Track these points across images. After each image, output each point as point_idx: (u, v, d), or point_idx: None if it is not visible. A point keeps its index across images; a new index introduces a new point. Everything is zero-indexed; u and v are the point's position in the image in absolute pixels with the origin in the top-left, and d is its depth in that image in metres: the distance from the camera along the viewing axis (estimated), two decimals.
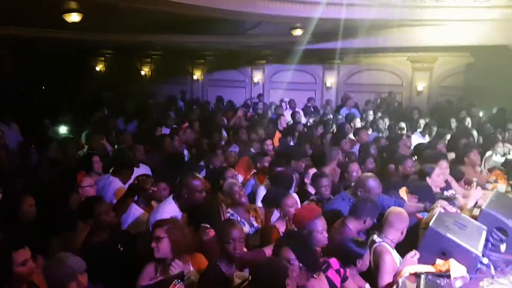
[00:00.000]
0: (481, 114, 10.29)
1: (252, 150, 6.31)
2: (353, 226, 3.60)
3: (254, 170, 5.23)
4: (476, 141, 8.04)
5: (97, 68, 17.22)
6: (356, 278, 3.20)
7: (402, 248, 3.61)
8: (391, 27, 9.59)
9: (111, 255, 3.20)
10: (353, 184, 4.48)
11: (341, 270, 2.94)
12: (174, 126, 8.26)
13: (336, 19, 8.52)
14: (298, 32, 9.56)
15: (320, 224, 3.40)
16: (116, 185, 4.60)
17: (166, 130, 7.80)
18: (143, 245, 3.32)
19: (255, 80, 15.47)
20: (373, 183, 4.19)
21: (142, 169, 5.29)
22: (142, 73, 16.93)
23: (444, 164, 5.26)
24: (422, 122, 9.14)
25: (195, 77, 16.35)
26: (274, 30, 10.24)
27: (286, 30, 9.77)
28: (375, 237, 3.56)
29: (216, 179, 4.32)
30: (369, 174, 4.44)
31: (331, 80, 14.36)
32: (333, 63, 13.77)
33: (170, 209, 3.65)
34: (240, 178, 5.05)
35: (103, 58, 17.10)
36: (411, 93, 13.09)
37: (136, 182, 3.92)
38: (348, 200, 4.13)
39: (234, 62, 15.23)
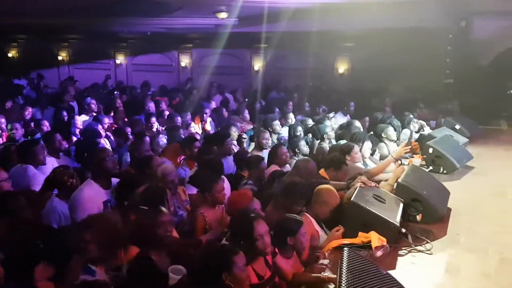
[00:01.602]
0: (397, 93, 10.97)
1: (182, 135, 6.19)
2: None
3: (183, 156, 5.14)
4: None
5: (10, 54, 15.92)
6: (292, 261, 3.19)
7: (329, 225, 3.78)
8: (315, 11, 9.81)
9: (31, 253, 2.99)
10: (290, 171, 4.54)
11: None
12: (94, 113, 7.86)
13: (260, 3, 8.56)
14: (223, 15, 9.48)
15: (257, 206, 3.44)
16: (31, 171, 4.34)
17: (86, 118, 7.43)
18: (68, 240, 3.15)
19: (183, 64, 15.17)
20: (312, 165, 4.31)
21: (63, 160, 5.01)
22: (60, 58, 15.89)
23: (367, 144, 5.58)
24: (344, 103, 9.56)
25: (118, 61, 15.66)
26: (199, 12, 10.08)
27: (212, 13, 9.66)
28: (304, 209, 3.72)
29: (142, 168, 4.17)
30: (305, 158, 4.54)
31: (258, 64, 14.47)
32: (260, 47, 13.86)
33: (89, 190, 3.56)
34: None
35: (16, 44, 15.82)
36: (333, 76, 13.58)
37: (53, 174, 3.72)
38: None
39: (160, 45, 14.78)
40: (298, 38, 12.27)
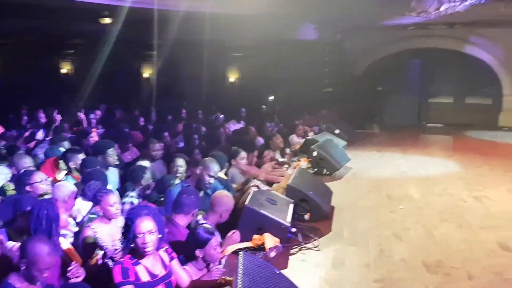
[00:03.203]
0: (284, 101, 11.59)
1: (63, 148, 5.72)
2: (182, 221, 3.57)
3: (65, 171, 4.75)
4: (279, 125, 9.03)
5: None
6: (204, 272, 3.10)
7: (226, 230, 3.82)
8: (205, 20, 9.89)
9: None
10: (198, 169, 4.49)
11: (169, 249, 2.95)
12: None
13: (147, 9, 8.37)
14: (106, 20, 9.06)
15: None
16: None
17: None
18: None
19: (64, 71, 14.12)
20: (217, 165, 4.31)
21: None
22: None
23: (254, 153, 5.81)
24: (236, 110, 9.80)
25: None
26: (81, 17, 9.49)
27: (95, 18, 9.17)
28: (199, 217, 3.69)
29: (21, 184, 3.75)
30: (211, 158, 4.52)
31: (148, 71, 14.11)
32: (150, 54, 13.51)
33: None
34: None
35: None
36: (225, 84, 13.83)
37: None
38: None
39: (38, 51, 13.54)
40: (190, 47, 12.27)
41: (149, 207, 3.04)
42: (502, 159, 7.40)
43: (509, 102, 11.32)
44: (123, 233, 2.77)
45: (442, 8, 9.96)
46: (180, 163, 5.08)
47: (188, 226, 3.61)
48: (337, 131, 8.38)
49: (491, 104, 11.85)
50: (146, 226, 2.69)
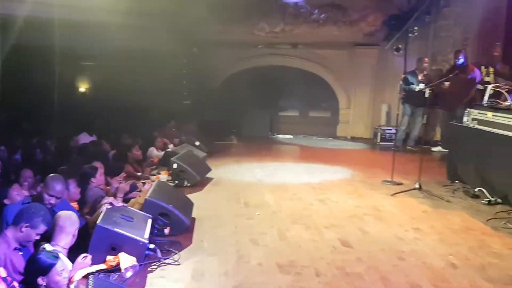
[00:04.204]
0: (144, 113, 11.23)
1: None
2: (12, 235, 3.14)
3: None
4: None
5: None
6: None
7: (75, 253, 3.50)
8: (54, 26, 9.07)
9: None
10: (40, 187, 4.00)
11: (8, 278, 2.58)
12: None
13: None
14: None
15: None
16: None
17: None
18: None
19: None
20: (60, 184, 3.88)
21: None
22: None
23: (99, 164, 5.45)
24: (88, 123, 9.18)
25: None
26: None
27: None
28: (45, 245, 3.26)
29: None
30: (54, 175, 4.05)
31: None
32: None
33: None
34: None
35: None
36: (75, 94, 12.84)
37: None
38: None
39: None
40: (35, 53, 11.07)
41: None
42: (341, 165, 8.34)
43: (344, 115, 12.85)
44: None
45: (286, 29, 10.99)
46: (29, 175, 4.61)
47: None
48: (197, 143, 8.48)
49: (330, 117, 13.30)
50: None
